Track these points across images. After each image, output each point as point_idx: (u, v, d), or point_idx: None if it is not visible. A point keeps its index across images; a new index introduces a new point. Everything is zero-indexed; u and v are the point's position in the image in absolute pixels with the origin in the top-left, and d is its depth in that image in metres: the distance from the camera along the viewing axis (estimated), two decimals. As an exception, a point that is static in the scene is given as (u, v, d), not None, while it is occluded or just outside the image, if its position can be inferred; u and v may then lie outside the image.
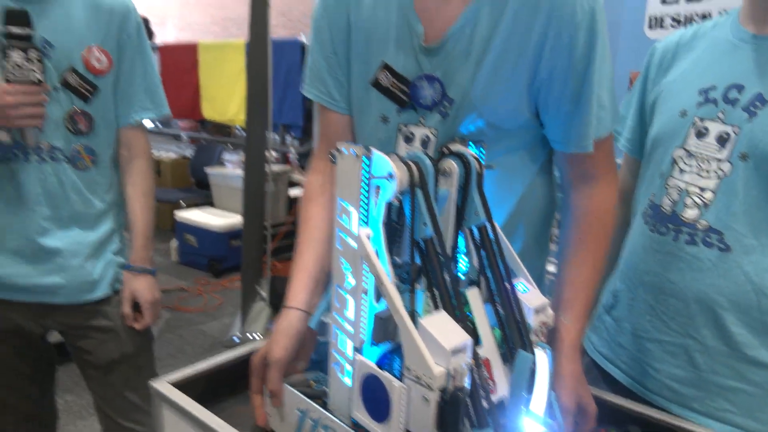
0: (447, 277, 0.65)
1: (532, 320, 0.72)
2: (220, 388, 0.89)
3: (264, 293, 3.25)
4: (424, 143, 0.86)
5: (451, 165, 0.72)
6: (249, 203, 3.10)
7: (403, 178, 0.65)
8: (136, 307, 1.30)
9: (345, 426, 0.68)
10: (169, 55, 4.77)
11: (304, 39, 4.23)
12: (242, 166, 4.36)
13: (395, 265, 0.69)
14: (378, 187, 0.65)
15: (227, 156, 4.84)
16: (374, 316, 0.64)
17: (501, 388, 0.69)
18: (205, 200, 4.86)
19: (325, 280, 0.85)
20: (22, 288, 1.20)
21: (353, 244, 0.64)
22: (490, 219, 0.73)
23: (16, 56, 1.06)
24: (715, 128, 0.92)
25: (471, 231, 0.74)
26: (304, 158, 4.47)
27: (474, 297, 0.72)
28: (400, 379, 0.61)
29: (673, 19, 1.66)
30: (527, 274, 0.75)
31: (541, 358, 0.71)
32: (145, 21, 4.88)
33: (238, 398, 0.90)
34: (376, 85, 0.87)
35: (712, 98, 0.94)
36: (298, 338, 0.79)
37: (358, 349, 0.65)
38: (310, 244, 0.88)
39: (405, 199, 0.68)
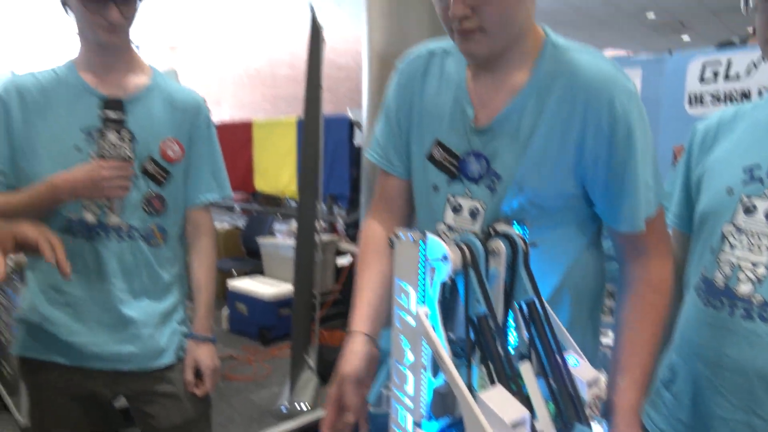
0: (501, 351, 0.69)
1: (586, 394, 0.74)
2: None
3: (312, 362, 3.28)
4: (473, 214, 0.94)
5: (499, 246, 0.77)
6: (299, 272, 3.19)
7: (457, 259, 0.71)
8: (197, 373, 1.37)
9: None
10: (226, 133, 5.04)
11: (350, 115, 4.49)
12: (292, 236, 4.53)
13: (450, 341, 0.73)
14: (433, 268, 0.70)
15: (277, 226, 5.01)
16: (433, 390, 0.68)
17: (557, 464, 0.71)
18: (255, 269, 5.00)
19: (384, 313, 0.94)
20: (99, 356, 1.29)
21: (412, 322, 0.69)
22: (538, 295, 0.77)
23: (112, 136, 1.22)
24: (762, 205, 0.95)
25: (520, 306, 0.77)
26: (351, 228, 4.59)
27: (526, 371, 0.75)
28: (459, 453, 0.63)
29: (713, 96, 1.71)
30: (577, 347, 0.78)
31: (597, 433, 0.72)
32: (204, 102, 5.22)
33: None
34: (431, 158, 0.97)
35: (757, 176, 0.97)
36: (366, 358, 0.89)
37: (418, 424, 0.69)
38: (370, 282, 0.98)
39: (458, 279, 0.73)
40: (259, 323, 4.30)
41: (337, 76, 7.94)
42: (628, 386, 0.86)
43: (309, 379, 3.19)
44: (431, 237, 0.70)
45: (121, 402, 1.42)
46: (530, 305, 0.77)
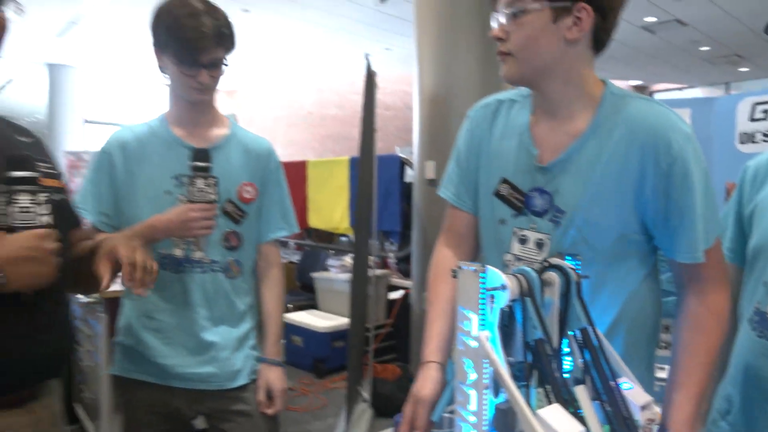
0: (557, 374, 0.75)
1: (639, 417, 0.79)
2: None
3: (366, 395, 3.33)
4: (539, 245, 1.02)
5: (553, 276, 0.84)
6: (355, 305, 3.28)
7: (514, 288, 0.78)
8: (268, 395, 1.49)
9: None
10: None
11: (399, 153, 4.63)
12: (345, 271, 4.64)
13: (509, 364, 0.80)
14: (492, 296, 0.78)
15: (331, 261, 5.15)
16: (495, 407, 0.75)
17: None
18: (309, 302, 5.14)
19: (452, 341, 1.02)
20: (183, 376, 1.43)
21: (474, 344, 0.77)
22: (590, 322, 0.83)
23: (199, 182, 1.38)
24: None
25: (574, 334, 0.84)
26: (402, 263, 4.67)
27: (582, 394, 0.80)
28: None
29: (764, 135, 1.73)
30: (630, 373, 0.83)
31: (651, 454, 0.77)
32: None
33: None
34: (498, 194, 1.07)
35: None
36: (439, 384, 0.98)
37: (481, 437, 0.75)
38: (440, 314, 1.07)
39: (516, 306, 0.80)
40: (314, 355, 4.39)
41: (385, 114, 8.21)
42: (684, 401, 0.91)
43: (364, 410, 3.24)
44: (490, 268, 0.78)
45: (200, 424, 1.54)
46: (584, 332, 0.83)
